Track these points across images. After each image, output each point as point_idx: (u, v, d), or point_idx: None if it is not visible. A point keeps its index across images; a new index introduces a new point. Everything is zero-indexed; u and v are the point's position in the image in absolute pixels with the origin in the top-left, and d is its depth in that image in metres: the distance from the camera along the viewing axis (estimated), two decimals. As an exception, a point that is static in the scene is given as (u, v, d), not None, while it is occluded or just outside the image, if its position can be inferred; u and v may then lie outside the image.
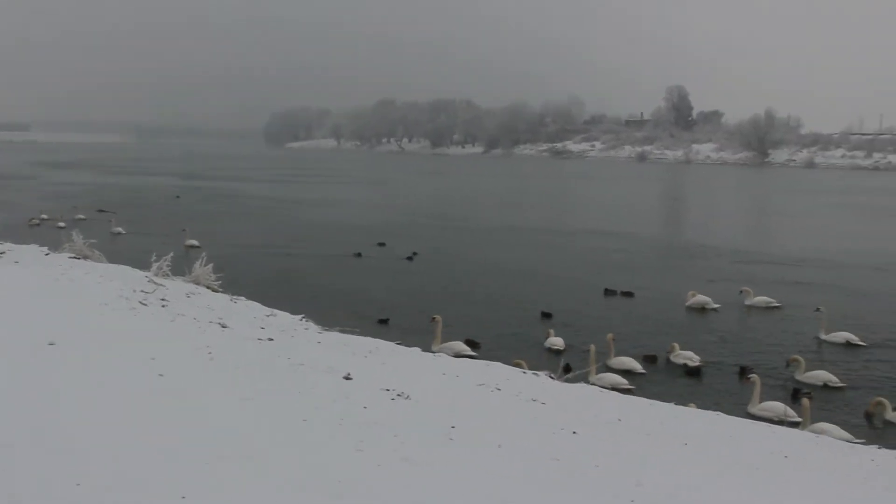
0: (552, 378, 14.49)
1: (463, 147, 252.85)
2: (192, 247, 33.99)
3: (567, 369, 16.95)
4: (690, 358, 19.04)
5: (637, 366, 18.42)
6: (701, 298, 25.50)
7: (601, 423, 10.84)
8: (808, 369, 18.08)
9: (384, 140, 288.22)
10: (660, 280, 30.61)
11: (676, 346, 19.60)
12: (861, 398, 16.87)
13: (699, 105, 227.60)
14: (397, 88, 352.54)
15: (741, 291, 26.11)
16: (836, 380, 17.77)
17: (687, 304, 25.54)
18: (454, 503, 6.63)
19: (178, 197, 65.00)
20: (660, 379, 18.07)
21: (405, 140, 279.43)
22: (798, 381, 17.81)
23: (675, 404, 13.73)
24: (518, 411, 10.75)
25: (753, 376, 16.34)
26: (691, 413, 13.18)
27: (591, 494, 7.33)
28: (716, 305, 25.37)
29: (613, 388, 15.88)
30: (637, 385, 17.15)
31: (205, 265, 21.18)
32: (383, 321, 22.21)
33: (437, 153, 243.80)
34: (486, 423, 9.58)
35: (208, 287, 20.45)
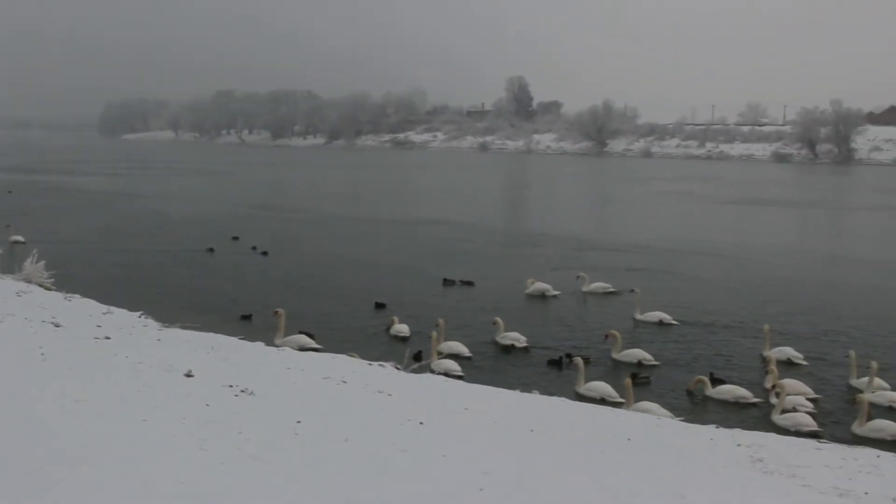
0: (398, 369, 14.54)
1: (304, 138, 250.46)
2: (17, 243, 32.71)
3: (417, 358, 17.07)
4: (517, 339, 19.62)
5: (464, 350, 18.72)
6: (540, 286, 26.06)
7: (448, 412, 10.94)
8: (624, 348, 18.91)
9: (224, 132, 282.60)
10: (500, 269, 31.16)
11: (500, 322, 20.13)
12: (677, 376, 17.68)
13: (539, 96, 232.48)
14: (237, 78, 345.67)
15: (578, 277, 26.79)
16: (651, 357, 18.64)
17: (526, 291, 26.04)
18: (302, 499, 6.57)
19: (10, 192, 62.06)
20: (490, 365, 18.32)
21: (245, 132, 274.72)
22: (615, 360, 18.62)
23: (521, 391, 13.99)
24: (365, 404, 10.73)
25: (577, 359, 16.96)
26: (535, 399, 13.44)
27: (440, 484, 7.37)
28: (555, 292, 25.98)
29: (447, 374, 16.13)
30: (470, 371, 17.38)
31: (36, 262, 20.31)
32: (226, 316, 21.81)
33: (278, 145, 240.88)
34: (333, 416, 9.53)
35: (41, 285, 19.62)
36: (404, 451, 8.30)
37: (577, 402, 13.88)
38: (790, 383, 16.22)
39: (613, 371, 18.02)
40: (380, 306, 23.57)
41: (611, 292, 26.39)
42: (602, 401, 15.37)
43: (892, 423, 14.49)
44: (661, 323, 22.37)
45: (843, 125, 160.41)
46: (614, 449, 10.03)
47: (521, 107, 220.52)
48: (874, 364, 16.94)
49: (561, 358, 18.47)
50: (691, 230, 46.33)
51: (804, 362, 18.87)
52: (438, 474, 7.69)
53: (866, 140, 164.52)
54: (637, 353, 18.70)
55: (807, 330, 22.05)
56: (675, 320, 22.45)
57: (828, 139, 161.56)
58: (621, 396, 15.51)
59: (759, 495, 8.32)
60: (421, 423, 9.80)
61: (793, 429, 14.29)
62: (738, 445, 10.65)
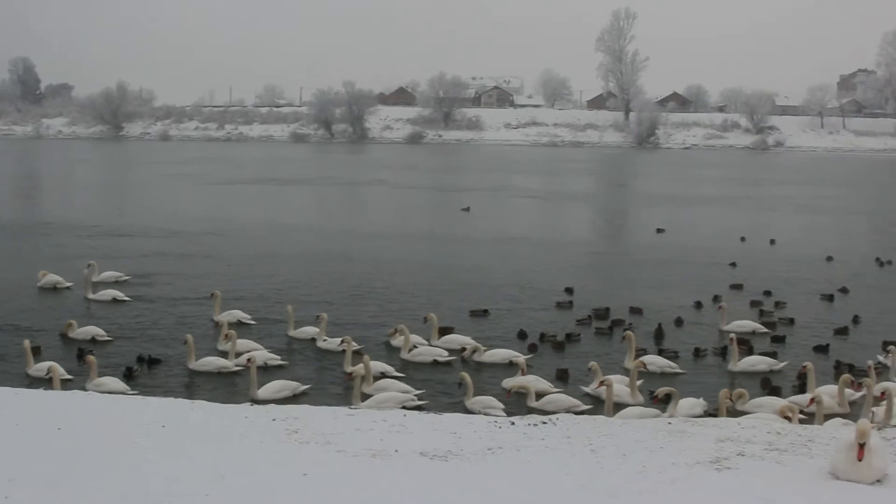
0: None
1: None
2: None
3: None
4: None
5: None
6: (52, 277, 25.15)
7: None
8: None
9: None
10: (7, 262, 29.56)
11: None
12: (130, 349, 18.60)
13: (48, 78, 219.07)
14: None
15: (88, 266, 25.87)
16: (104, 333, 19.60)
17: (39, 284, 25.03)
18: None
19: None
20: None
21: None
22: (69, 339, 19.47)
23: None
24: None
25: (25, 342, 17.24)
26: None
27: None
28: (68, 283, 25.19)
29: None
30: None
31: None
32: None
33: None
34: None
35: None
36: None
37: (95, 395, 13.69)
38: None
39: (65, 350, 18.69)
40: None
41: (122, 280, 26.05)
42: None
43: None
44: (114, 300, 23.51)
45: (356, 106, 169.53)
46: (148, 437, 10.04)
47: (28, 89, 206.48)
48: (323, 315, 19.98)
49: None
50: (205, 211, 47.34)
51: (252, 322, 21.49)
52: None
53: (378, 120, 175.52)
54: (91, 330, 19.57)
55: (284, 294, 24.70)
56: (127, 297, 23.67)
57: (342, 119, 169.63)
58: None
59: (293, 464, 8.77)
60: None
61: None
62: (274, 420, 10.89)
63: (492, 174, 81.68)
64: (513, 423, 10.77)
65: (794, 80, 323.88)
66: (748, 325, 21.91)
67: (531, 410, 14.89)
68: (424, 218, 48.46)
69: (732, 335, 19.04)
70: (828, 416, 14.07)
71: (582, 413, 14.15)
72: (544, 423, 10.91)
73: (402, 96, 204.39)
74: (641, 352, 18.74)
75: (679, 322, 22.29)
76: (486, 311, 23.19)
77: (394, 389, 16.11)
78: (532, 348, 19.68)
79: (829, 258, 33.48)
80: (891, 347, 18.37)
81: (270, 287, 26.08)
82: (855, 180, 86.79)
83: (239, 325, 20.77)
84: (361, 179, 74.08)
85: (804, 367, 16.59)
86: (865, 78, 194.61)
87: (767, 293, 26.05)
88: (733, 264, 31.25)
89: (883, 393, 14.08)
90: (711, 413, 14.55)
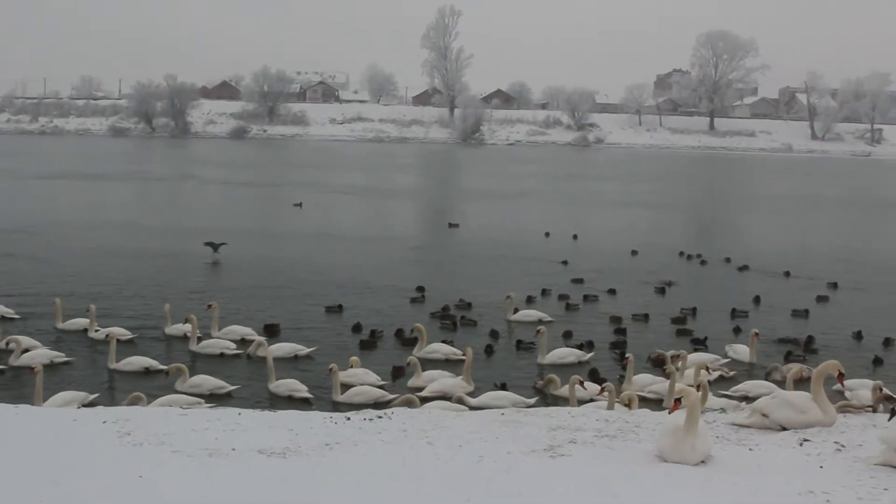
0: None
1: None
2: None
3: None
4: None
5: None
6: None
7: None
8: None
9: None
10: None
11: None
12: None
13: None
14: None
15: None
16: None
17: None
18: None
19: None
20: None
21: None
22: None
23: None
24: None
25: None
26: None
27: None
28: None
29: None
30: None
31: None
32: None
33: None
34: None
35: None
36: None
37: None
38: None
39: None
40: None
41: None
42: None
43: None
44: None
45: (179, 99, 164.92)
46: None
47: None
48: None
49: None
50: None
51: (16, 316, 21.32)
52: None
53: (201, 114, 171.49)
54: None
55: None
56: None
57: (164, 113, 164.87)
58: None
59: (128, 467, 8.43)
60: None
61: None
62: (105, 422, 10.49)
63: (320, 170, 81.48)
64: (348, 419, 10.74)
65: (614, 79, 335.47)
66: (534, 314, 23.05)
67: (336, 405, 15.41)
68: (256, 214, 47.99)
69: (541, 328, 19.67)
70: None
71: (389, 402, 15.11)
72: (380, 417, 10.93)
73: (225, 90, 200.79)
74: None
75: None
76: (340, 307, 23.57)
77: (209, 385, 16.45)
78: (364, 344, 19.99)
79: (635, 252, 34.88)
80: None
81: (55, 283, 25.70)
82: (667, 176, 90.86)
83: (1, 320, 20.50)
84: (186, 174, 72.49)
85: (626, 358, 17.32)
86: (680, 78, 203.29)
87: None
88: (565, 262, 32.21)
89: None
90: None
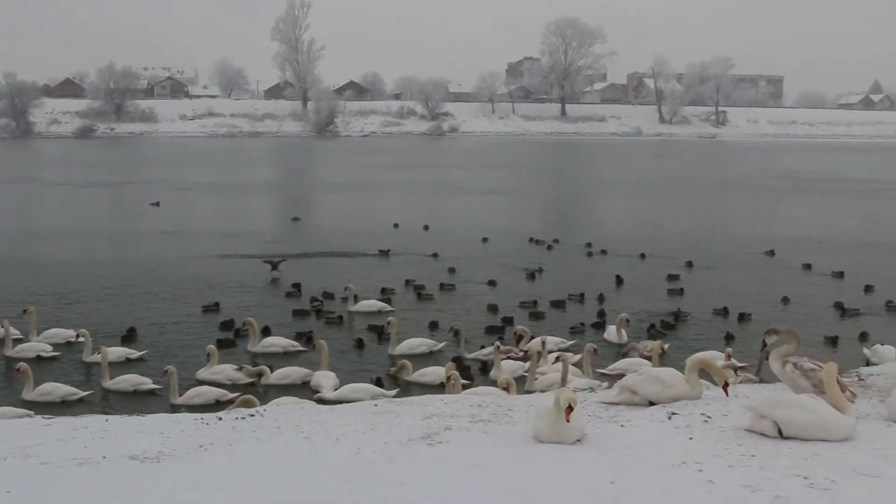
0: None
1: None
2: None
3: None
4: None
5: None
6: None
7: None
8: None
9: None
10: None
11: None
12: None
13: None
14: None
15: None
16: None
17: None
18: None
19: None
20: None
21: None
22: None
23: None
24: None
25: None
26: None
27: None
28: None
29: None
30: None
31: None
32: None
33: None
34: None
35: None
36: None
37: None
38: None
39: None
40: None
41: None
42: None
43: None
44: None
45: (19, 98, 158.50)
46: None
47: None
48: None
49: None
50: None
51: None
52: None
53: (44, 113, 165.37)
54: None
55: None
56: None
57: (4, 114, 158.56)
58: None
59: None
60: None
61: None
62: None
63: (172, 167, 79.77)
64: (220, 419, 10.52)
65: (466, 68, 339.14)
66: (374, 304, 23.48)
67: (174, 407, 15.38)
68: (112, 215, 46.51)
69: (391, 319, 20.06)
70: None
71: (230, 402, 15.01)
72: (252, 415, 10.75)
73: (69, 88, 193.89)
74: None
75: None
76: (217, 304, 23.57)
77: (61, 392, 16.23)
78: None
79: (485, 239, 35.37)
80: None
81: None
82: (521, 163, 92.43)
83: None
84: (27, 176, 69.68)
85: (524, 351, 17.79)
86: (531, 65, 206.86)
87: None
88: (435, 255, 32.30)
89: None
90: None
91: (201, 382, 16.96)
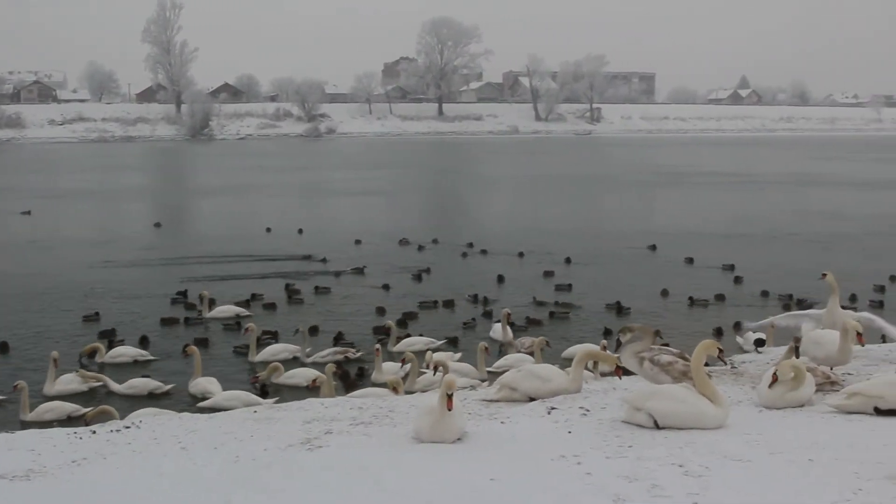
0: None
1: None
2: None
3: None
4: None
5: None
6: None
7: None
8: None
9: None
10: None
11: None
12: None
13: None
14: None
15: None
16: None
17: None
18: None
19: None
20: None
21: None
22: None
23: None
24: None
25: None
26: None
27: None
28: None
29: None
30: None
31: None
32: None
33: None
34: None
35: None
36: None
37: None
38: None
39: None
40: None
41: None
42: None
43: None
44: None
45: None
46: None
47: None
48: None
49: None
50: None
51: None
52: None
53: None
54: None
55: None
56: None
57: None
58: None
59: None
60: None
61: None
62: None
63: (42, 175, 76.93)
64: (94, 432, 10.21)
65: (342, 69, 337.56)
66: (230, 310, 23.20)
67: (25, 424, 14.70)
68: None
69: (250, 325, 19.82)
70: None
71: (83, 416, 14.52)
72: (127, 427, 10.47)
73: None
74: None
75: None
76: (97, 314, 22.96)
77: None
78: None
79: (358, 241, 35.30)
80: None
81: None
82: (398, 163, 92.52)
83: None
84: None
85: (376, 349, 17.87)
86: (408, 65, 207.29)
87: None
88: (308, 256, 32.28)
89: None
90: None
91: (50, 398, 16.39)
